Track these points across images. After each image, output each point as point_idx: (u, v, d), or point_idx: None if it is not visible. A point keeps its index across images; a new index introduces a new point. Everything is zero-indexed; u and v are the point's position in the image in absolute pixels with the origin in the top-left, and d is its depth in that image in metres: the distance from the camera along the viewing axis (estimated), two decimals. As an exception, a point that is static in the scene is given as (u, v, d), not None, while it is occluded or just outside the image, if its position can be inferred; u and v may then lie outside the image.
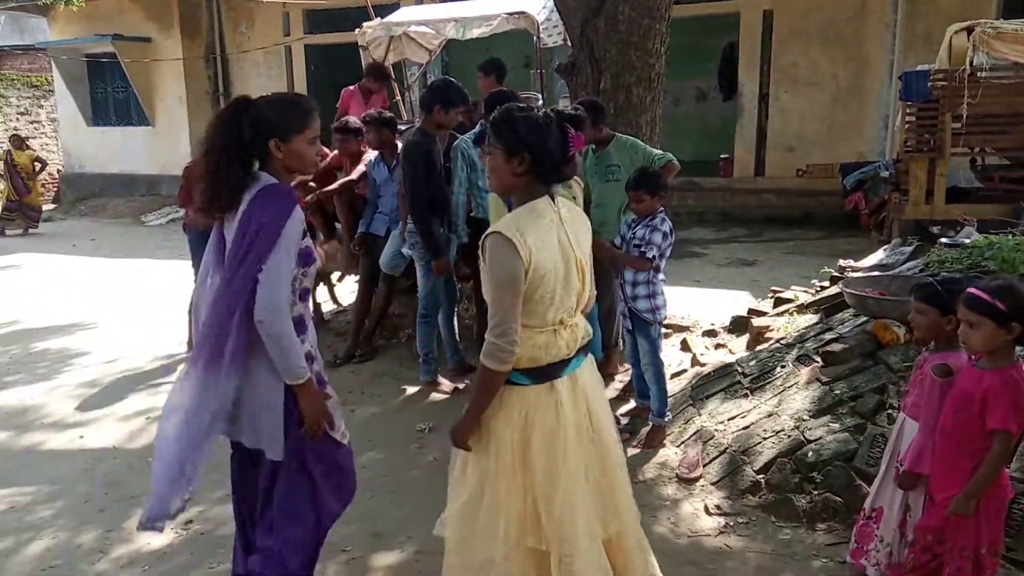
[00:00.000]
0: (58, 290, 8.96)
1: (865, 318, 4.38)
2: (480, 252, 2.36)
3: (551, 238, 2.34)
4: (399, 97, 10.03)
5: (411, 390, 5.25)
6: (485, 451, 2.44)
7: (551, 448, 2.38)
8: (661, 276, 4.35)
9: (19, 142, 13.46)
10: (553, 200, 2.40)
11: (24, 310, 7.92)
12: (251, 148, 2.52)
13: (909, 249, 5.76)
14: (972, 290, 2.48)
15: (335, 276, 7.26)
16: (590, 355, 2.60)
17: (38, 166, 13.43)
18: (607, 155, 4.92)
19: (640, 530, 2.68)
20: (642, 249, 4.25)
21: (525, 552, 2.42)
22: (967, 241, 5.23)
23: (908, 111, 8.07)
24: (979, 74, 7.50)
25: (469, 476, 2.49)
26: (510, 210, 2.44)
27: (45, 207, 14.43)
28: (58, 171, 17.11)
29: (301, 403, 2.52)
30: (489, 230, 2.33)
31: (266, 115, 2.50)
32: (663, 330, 4.94)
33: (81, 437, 4.74)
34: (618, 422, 4.53)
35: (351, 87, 8.06)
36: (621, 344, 5.48)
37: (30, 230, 13.30)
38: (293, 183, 2.72)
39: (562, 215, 2.41)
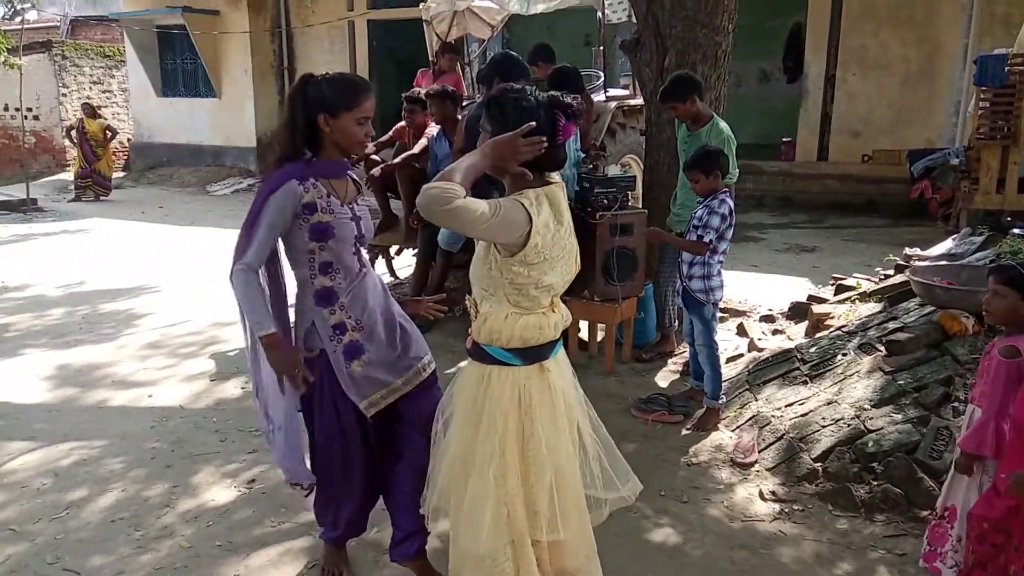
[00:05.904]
0: (126, 254, 9.23)
1: (932, 308, 4.28)
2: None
3: (556, 227, 2.29)
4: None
5: (464, 363, 5.27)
6: (475, 433, 2.38)
7: (553, 426, 2.35)
8: (719, 258, 4.31)
9: (91, 111, 13.85)
10: (549, 190, 2.30)
11: (93, 273, 8.18)
12: (307, 122, 2.56)
13: (979, 239, 5.59)
14: None
15: (393, 249, 7.34)
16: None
17: (108, 134, 13.82)
18: (697, 137, 4.82)
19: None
20: (699, 232, 4.22)
21: (516, 542, 2.35)
22: (1041, 233, 5.06)
23: (982, 96, 7.80)
24: (1061, 60, 7.22)
25: (455, 457, 2.44)
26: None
27: (115, 175, 14.86)
28: (128, 140, 17.54)
29: (266, 354, 2.58)
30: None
31: (320, 90, 2.56)
32: (719, 313, 4.89)
33: (150, 396, 4.90)
34: (671, 406, 4.50)
35: (425, 69, 8.13)
36: (676, 324, 5.46)
37: (101, 197, 13.73)
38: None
39: (562, 208, 2.34)
